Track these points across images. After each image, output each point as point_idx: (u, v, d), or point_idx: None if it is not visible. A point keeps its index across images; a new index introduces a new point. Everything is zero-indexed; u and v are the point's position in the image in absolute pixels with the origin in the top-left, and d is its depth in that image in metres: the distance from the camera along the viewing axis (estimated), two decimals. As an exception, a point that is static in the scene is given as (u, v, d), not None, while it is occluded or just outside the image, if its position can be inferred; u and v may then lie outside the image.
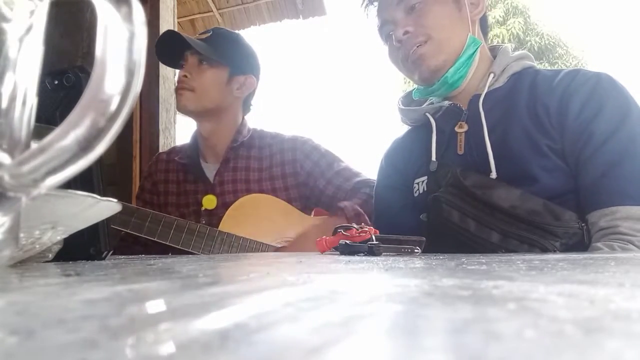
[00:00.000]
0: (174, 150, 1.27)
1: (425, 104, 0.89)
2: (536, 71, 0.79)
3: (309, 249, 1.00)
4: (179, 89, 1.12)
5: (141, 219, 1.02)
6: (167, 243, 1.01)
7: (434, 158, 0.80)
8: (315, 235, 0.99)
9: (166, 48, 1.15)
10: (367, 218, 1.02)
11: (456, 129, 0.80)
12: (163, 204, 1.17)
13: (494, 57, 0.84)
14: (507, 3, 11.15)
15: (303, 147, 1.16)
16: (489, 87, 0.79)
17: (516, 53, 0.83)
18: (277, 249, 1.05)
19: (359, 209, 1.03)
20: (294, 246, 1.05)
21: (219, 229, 1.03)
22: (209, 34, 1.15)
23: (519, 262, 0.32)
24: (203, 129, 1.16)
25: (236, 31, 1.31)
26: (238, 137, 1.16)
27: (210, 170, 1.16)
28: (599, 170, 0.67)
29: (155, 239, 1.01)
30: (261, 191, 1.12)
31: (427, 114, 0.85)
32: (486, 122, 0.75)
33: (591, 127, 0.68)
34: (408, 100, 0.93)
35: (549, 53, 11.11)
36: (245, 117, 1.23)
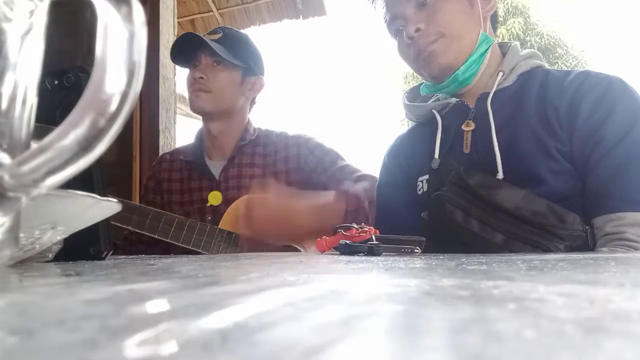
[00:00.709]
0: (177, 151, 1.29)
1: (431, 100, 0.88)
2: (546, 71, 0.78)
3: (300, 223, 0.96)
4: (196, 90, 1.13)
5: (142, 216, 1.02)
6: (168, 240, 1.02)
7: (436, 155, 0.79)
8: (309, 210, 0.98)
9: (179, 48, 1.16)
10: (366, 204, 1.01)
11: (463, 127, 0.79)
12: (167, 202, 1.18)
13: (503, 54, 0.82)
14: (507, 3, 11.14)
15: (307, 143, 1.18)
16: (497, 85, 0.78)
17: (525, 52, 0.82)
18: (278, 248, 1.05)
19: (359, 192, 1.02)
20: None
21: (219, 227, 1.04)
22: (220, 35, 1.16)
23: (519, 262, 0.32)
24: (213, 128, 1.18)
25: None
26: (246, 136, 1.19)
27: (215, 167, 1.18)
28: (607, 174, 0.66)
29: (156, 236, 1.02)
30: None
31: (434, 110, 0.84)
32: (494, 121, 0.74)
33: (601, 131, 0.67)
34: (413, 95, 0.92)
35: (549, 53, 11.10)
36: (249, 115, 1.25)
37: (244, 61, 1.16)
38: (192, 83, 1.14)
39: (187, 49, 1.15)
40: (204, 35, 1.15)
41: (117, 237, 1.19)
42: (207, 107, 1.14)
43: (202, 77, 1.12)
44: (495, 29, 0.86)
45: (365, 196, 1.02)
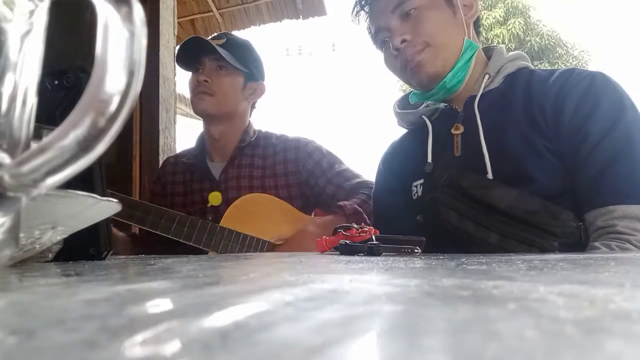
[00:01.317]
0: (180, 154, 1.32)
1: (422, 107, 0.89)
2: (531, 71, 0.79)
3: (306, 246, 1.00)
4: (199, 93, 1.15)
5: (145, 212, 1.05)
6: (169, 236, 1.03)
7: (429, 160, 0.80)
8: (313, 233, 1.00)
9: (185, 51, 1.18)
10: (365, 217, 1.02)
11: (452, 130, 0.80)
12: (170, 204, 1.20)
13: (488, 57, 0.84)
14: (507, 3, 11.15)
15: (306, 147, 1.19)
16: (484, 88, 0.79)
17: (511, 54, 0.83)
18: (274, 247, 1.05)
19: (357, 207, 1.04)
20: (290, 243, 1.05)
21: (219, 224, 1.05)
22: (224, 40, 1.18)
23: (519, 262, 0.32)
24: (214, 131, 1.20)
25: (233, 32, 1.34)
26: (245, 138, 1.21)
27: (216, 168, 1.20)
28: (595, 169, 0.67)
29: (158, 232, 1.03)
30: (263, 187, 1.15)
31: (424, 116, 0.85)
32: (482, 123, 0.75)
33: (586, 127, 0.68)
34: (404, 103, 0.93)
35: (549, 53, 11.11)
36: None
37: (247, 66, 1.18)
38: (196, 86, 1.16)
39: (191, 53, 1.17)
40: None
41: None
42: (210, 110, 1.16)
43: (206, 81, 1.14)
44: (478, 33, 0.87)
45: (364, 208, 1.04)
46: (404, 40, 0.79)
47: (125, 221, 1.05)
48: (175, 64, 1.75)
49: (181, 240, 1.04)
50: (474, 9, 0.83)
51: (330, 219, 1.04)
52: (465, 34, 0.81)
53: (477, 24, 0.87)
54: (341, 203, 1.06)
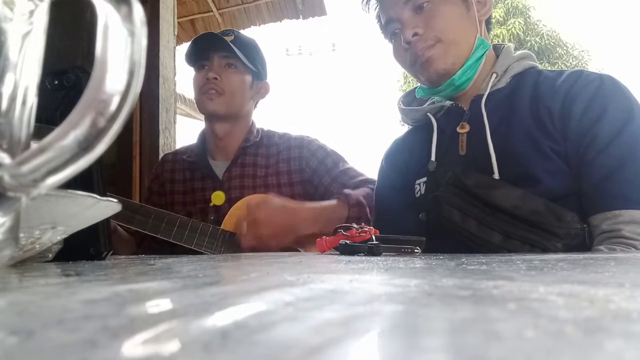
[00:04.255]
0: (179, 151, 1.29)
1: (427, 104, 0.88)
2: (538, 72, 0.79)
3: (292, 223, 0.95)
4: (208, 91, 1.12)
5: (145, 215, 1.03)
6: (170, 240, 1.02)
7: (433, 158, 0.80)
8: (310, 216, 0.97)
9: (196, 47, 1.16)
10: (367, 211, 1.02)
11: (458, 129, 0.79)
12: (170, 203, 1.18)
13: (496, 56, 0.83)
14: (507, 3, 11.16)
15: (309, 145, 1.18)
16: (491, 87, 0.78)
17: (518, 53, 0.82)
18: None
19: (361, 199, 1.03)
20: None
21: (221, 227, 1.04)
22: (232, 37, 1.15)
23: (519, 262, 0.32)
24: (219, 130, 1.17)
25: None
26: (250, 137, 1.19)
27: (219, 167, 1.18)
28: (601, 173, 0.66)
29: (158, 236, 1.02)
30: (266, 186, 1.13)
31: (429, 113, 0.84)
32: (488, 123, 0.75)
33: (594, 130, 0.67)
34: (409, 99, 0.92)
35: (549, 53, 11.12)
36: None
37: (254, 65, 1.16)
38: (204, 83, 1.12)
39: (201, 48, 1.14)
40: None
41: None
42: (219, 110, 1.13)
43: (216, 78, 1.11)
44: (489, 30, 0.86)
45: (367, 202, 1.03)
46: (415, 34, 0.78)
47: (124, 225, 1.03)
48: (175, 63, 1.75)
49: (182, 244, 1.02)
50: (487, 6, 0.82)
51: (334, 204, 1.01)
52: (478, 32, 0.80)
53: (488, 21, 0.85)
54: (347, 191, 1.04)
